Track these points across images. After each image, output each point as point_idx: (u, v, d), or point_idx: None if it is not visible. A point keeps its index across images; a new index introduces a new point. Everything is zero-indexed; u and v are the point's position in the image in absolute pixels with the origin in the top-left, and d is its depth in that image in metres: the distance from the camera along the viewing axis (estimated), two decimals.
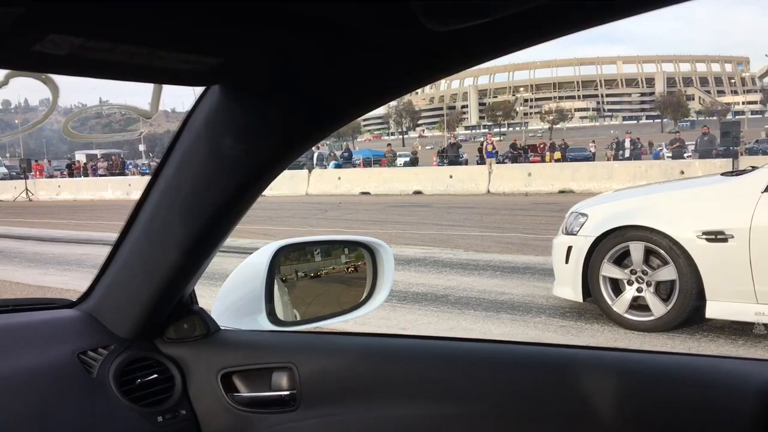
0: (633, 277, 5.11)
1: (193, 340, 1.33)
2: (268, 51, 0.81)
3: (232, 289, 1.44)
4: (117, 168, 36.28)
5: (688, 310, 4.85)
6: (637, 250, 5.07)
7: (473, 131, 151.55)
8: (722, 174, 5.63)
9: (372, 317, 5.47)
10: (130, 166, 43.56)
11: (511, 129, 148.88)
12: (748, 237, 4.52)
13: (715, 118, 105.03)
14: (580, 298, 5.35)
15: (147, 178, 1.22)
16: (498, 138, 74.78)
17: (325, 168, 29.44)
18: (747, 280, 4.54)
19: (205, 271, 1.27)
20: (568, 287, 5.44)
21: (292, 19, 0.73)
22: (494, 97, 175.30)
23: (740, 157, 20.14)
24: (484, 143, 27.10)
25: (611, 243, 5.18)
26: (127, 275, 1.28)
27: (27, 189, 29.01)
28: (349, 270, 1.61)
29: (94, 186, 29.32)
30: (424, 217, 14.97)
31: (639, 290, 5.09)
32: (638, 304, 5.12)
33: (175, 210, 1.14)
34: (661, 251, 4.94)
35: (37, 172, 35.03)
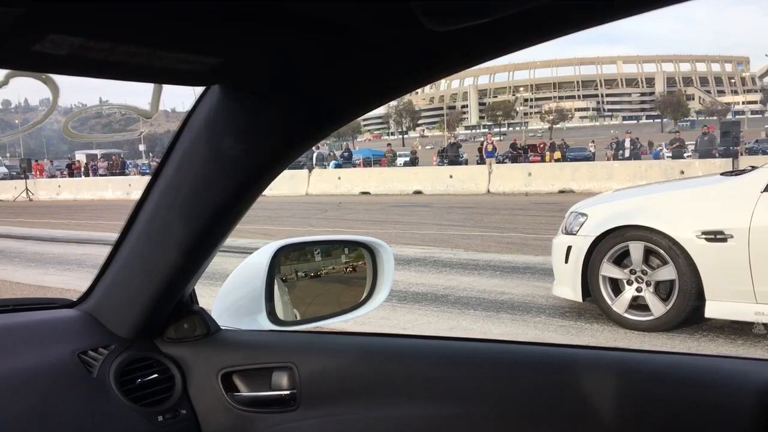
0: (632, 277, 5.11)
1: (194, 339, 1.33)
2: (268, 51, 0.81)
3: (232, 288, 1.44)
4: (117, 168, 36.28)
5: (688, 310, 4.85)
6: (636, 249, 5.08)
7: (473, 131, 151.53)
8: (722, 174, 5.63)
9: (372, 317, 5.47)
10: (130, 166, 43.54)
11: (511, 129, 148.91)
12: (747, 237, 4.52)
13: (715, 117, 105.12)
14: (579, 298, 5.35)
15: (147, 178, 1.22)
16: (498, 138, 74.81)
17: (325, 168, 29.42)
18: (746, 280, 4.54)
19: (205, 271, 1.27)
20: (568, 287, 5.44)
21: (292, 19, 0.73)
22: (494, 97, 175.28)
23: (740, 157, 20.11)
24: (484, 143, 27.09)
25: (611, 243, 5.18)
26: (127, 275, 1.28)
27: (27, 189, 29.00)
28: (348, 270, 1.61)
29: (94, 186, 29.32)
30: (424, 217, 14.98)
31: (638, 290, 5.09)
32: (638, 304, 5.12)
33: (175, 210, 1.14)
34: (661, 251, 4.94)
35: (38, 172, 35.04)
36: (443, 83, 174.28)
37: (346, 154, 35.35)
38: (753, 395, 0.98)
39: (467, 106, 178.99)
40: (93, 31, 0.66)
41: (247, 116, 0.99)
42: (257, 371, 1.30)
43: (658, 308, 4.98)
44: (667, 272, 4.91)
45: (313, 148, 27.92)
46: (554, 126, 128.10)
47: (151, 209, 1.19)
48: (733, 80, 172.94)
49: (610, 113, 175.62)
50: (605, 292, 5.22)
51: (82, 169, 39.11)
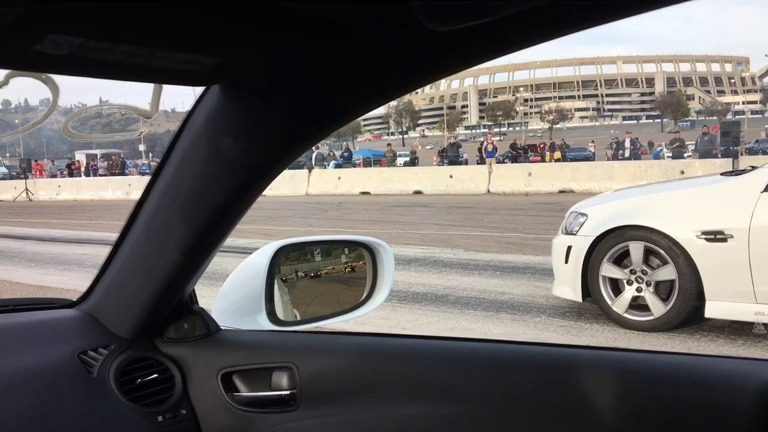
0: (632, 277, 5.11)
1: (194, 339, 1.33)
2: (268, 51, 0.81)
3: (232, 288, 1.44)
4: (117, 168, 36.30)
5: (688, 310, 4.85)
6: (636, 249, 5.07)
7: (473, 131, 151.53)
8: (722, 174, 5.63)
9: (372, 317, 5.47)
10: (130, 166, 43.55)
11: (511, 129, 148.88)
12: (747, 237, 4.52)
13: (715, 117, 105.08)
14: (579, 298, 5.35)
15: (147, 178, 1.22)
16: (498, 138, 74.83)
17: (325, 168, 29.43)
18: (746, 280, 4.54)
19: (205, 271, 1.27)
20: (568, 287, 5.44)
21: (292, 19, 0.73)
22: (494, 96, 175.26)
23: (740, 157, 20.11)
24: (484, 143, 27.08)
25: (611, 243, 5.18)
26: (127, 275, 1.28)
27: (27, 189, 29.00)
28: (347, 270, 1.61)
29: (94, 186, 29.33)
30: (424, 217, 14.98)
31: (638, 290, 5.09)
32: (638, 304, 5.12)
33: (175, 210, 1.14)
34: (661, 251, 4.94)
35: (37, 172, 35.03)
36: (443, 83, 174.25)
37: (346, 154, 35.35)
38: (753, 395, 0.98)
39: (467, 106, 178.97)
40: (93, 31, 0.66)
41: (247, 116, 0.99)
42: (257, 371, 1.30)
43: (658, 308, 4.98)
44: (667, 272, 4.91)
45: (313, 148, 27.94)
46: (554, 126, 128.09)
47: (151, 209, 1.19)
48: (733, 80, 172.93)
49: (610, 113, 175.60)
50: (605, 292, 5.22)
51: (83, 169, 39.12)
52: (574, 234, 5.38)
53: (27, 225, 16.25)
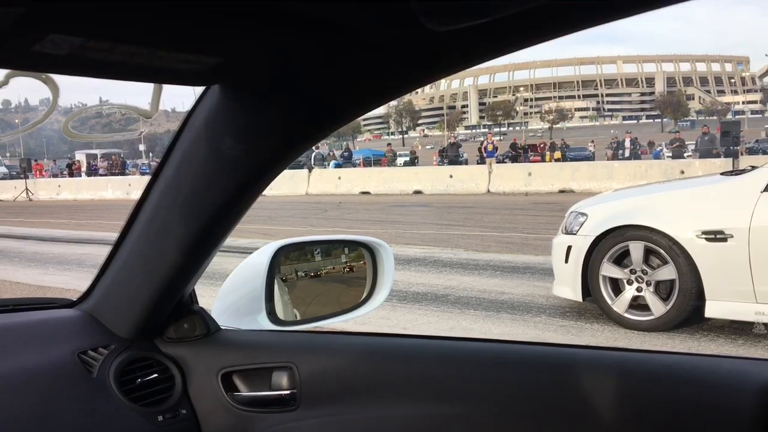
0: (633, 277, 5.11)
1: (194, 339, 1.33)
2: (268, 51, 0.81)
3: (232, 288, 1.44)
4: (117, 168, 36.30)
5: (688, 310, 4.85)
6: (636, 249, 5.07)
7: (473, 131, 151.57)
8: (722, 173, 5.63)
9: (372, 317, 5.47)
10: (130, 166, 43.55)
11: (511, 129, 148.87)
12: (747, 236, 4.52)
13: (715, 117, 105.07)
14: (579, 298, 5.35)
15: (147, 178, 1.22)
16: (498, 138, 74.70)
17: (325, 168, 29.43)
18: (746, 280, 4.54)
19: (205, 270, 1.27)
20: (568, 287, 5.44)
21: (292, 19, 0.73)
22: (494, 96, 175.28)
23: (740, 157, 20.10)
24: (484, 142, 27.08)
25: (611, 242, 5.18)
26: (127, 275, 1.28)
27: (27, 189, 29.00)
28: (346, 270, 1.61)
29: (94, 186, 29.34)
30: (424, 216, 14.99)
31: (639, 290, 5.09)
32: (638, 304, 5.12)
33: (175, 210, 1.14)
34: (661, 251, 4.94)
35: (37, 172, 35.04)
36: (443, 83, 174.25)
37: (346, 153, 35.35)
38: (753, 395, 0.98)
39: (467, 105, 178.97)
40: (93, 31, 0.66)
41: (247, 116, 0.99)
42: (257, 371, 1.30)
43: (658, 308, 4.98)
44: (668, 272, 4.91)
45: (312, 147, 27.92)
46: (554, 126, 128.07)
47: (151, 209, 1.19)
48: (733, 80, 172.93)
49: (610, 113, 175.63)
50: (605, 292, 5.22)
51: (83, 169, 39.13)
52: (574, 234, 5.38)
53: (27, 225, 16.25)
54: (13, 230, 14.69)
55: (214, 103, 1.00)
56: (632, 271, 5.11)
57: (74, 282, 7.69)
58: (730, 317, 4.83)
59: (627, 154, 28.84)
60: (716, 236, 4.66)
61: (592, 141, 44.56)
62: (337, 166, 31.06)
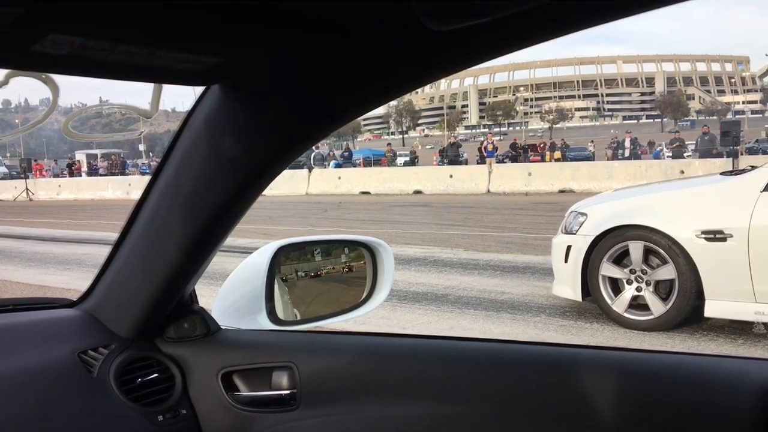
0: (632, 277, 5.11)
1: (194, 339, 1.33)
2: (268, 50, 0.81)
3: (232, 288, 1.44)
4: (117, 168, 36.32)
5: (688, 310, 4.85)
6: (636, 249, 5.07)
7: (473, 131, 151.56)
8: (721, 173, 5.63)
9: (372, 317, 5.47)
10: (130, 166, 43.57)
11: (511, 128, 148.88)
12: (747, 236, 4.52)
13: (715, 117, 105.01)
14: (579, 298, 5.35)
15: (147, 178, 1.22)
16: (498, 138, 74.72)
17: (325, 167, 29.43)
18: (746, 280, 4.54)
19: (205, 270, 1.27)
20: (568, 286, 5.44)
21: (292, 19, 0.73)
22: (494, 96, 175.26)
23: (740, 157, 20.09)
24: (484, 142, 27.07)
25: (610, 242, 5.18)
26: (127, 275, 1.28)
27: (27, 189, 29.00)
28: (345, 270, 1.61)
29: (95, 186, 29.34)
30: (424, 216, 14.99)
31: (638, 289, 5.09)
32: (637, 304, 5.12)
33: (175, 210, 1.14)
34: (661, 250, 4.94)
35: (37, 172, 35.03)
36: (443, 83, 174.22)
37: (346, 153, 35.37)
38: (753, 395, 0.98)
39: (467, 105, 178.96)
40: (93, 30, 0.66)
41: (247, 116, 0.99)
42: (257, 371, 1.30)
43: (657, 308, 4.98)
44: (667, 272, 4.92)
45: (313, 147, 27.87)
46: (554, 126, 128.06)
47: (151, 209, 1.19)
48: (733, 80, 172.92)
49: (610, 113, 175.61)
50: (605, 292, 5.22)
51: (83, 168, 39.15)
52: (574, 233, 5.38)
53: (27, 225, 16.25)
54: (13, 230, 14.69)
55: (214, 103, 1.00)
56: (632, 271, 5.11)
57: (74, 282, 7.69)
58: (730, 317, 4.83)
59: (627, 154, 28.83)
60: (716, 236, 4.66)
61: (592, 141, 44.56)
62: (337, 166, 31.07)
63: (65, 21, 0.63)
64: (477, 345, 1.27)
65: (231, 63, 0.83)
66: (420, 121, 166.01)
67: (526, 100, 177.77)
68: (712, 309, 4.74)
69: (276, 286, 1.44)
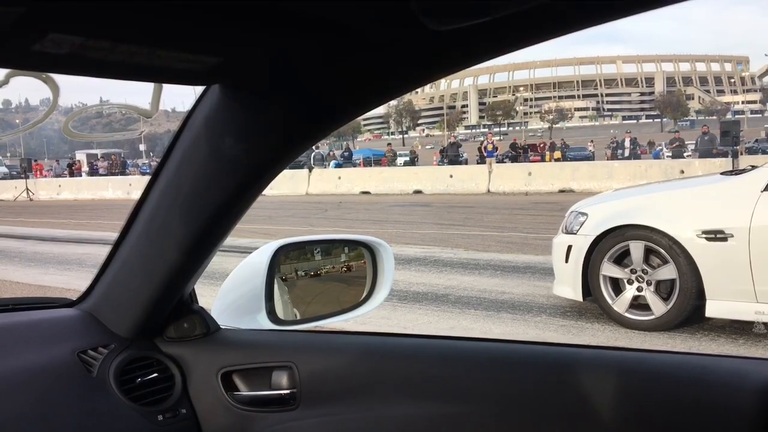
0: (633, 276, 5.11)
1: (194, 339, 1.33)
2: (268, 50, 0.81)
3: (232, 288, 1.44)
4: (117, 168, 36.35)
5: (689, 309, 4.85)
6: (637, 249, 5.07)
7: (473, 131, 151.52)
8: (722, 173, 5.63)
9: (372, 316, 5.47)
10: (130, 166, 43.60)
11: (511, 128, 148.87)
12: (747, 236, 4.52)
13: (714, 117, 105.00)
14: (580, 297, 5.35)
15: (147, 178, 1.22)
16: (498, 138, 74.64)
17: (325, 167, 29.42)
18: (747, 279, 4.54)
19: (205, 270, 1.27)
20: (568, 286, 5.43)
21: (292, 19, 0.73)
22: (494, 96, 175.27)
23: (740, 157, 20.08)
24: (484, 142, 27.06)
25: (611, 242, 5.18)
26: (127, 274, 1.28)
27: (27, 189, 29.00)
28: (343, 270, 1.61)
29: (95, 186, 29.34)
30: (424, 216, 14.98)
31: (639, 289, 5.09)
32: (638, 304, 5.11)
33: (175, 209, 1.14)
34: (661, 250, 4.94)
35: (38, 172, 35.03)
36: (443, 83, 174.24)
37: (346, 153, 35.41)
38: (752, 394, 0.98)
39: (467, 105, 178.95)
40: (93, 30, 0.66)
41: (247, 116, 0.99)
42: (257, 370, 1.30)
43: (658, 307, 4.98)
44: (668, 271, 4.91)
45: (313, 147, 27.82)
46: (554, 126, 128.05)
47: (151, 209, 1.19)
48: (732, 80, 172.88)
49: (609, 113, 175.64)
50: (606, 292, 5.21)
51: (83, 169, 39.17)
52: (575, 233, 5.38)
53: (28, 225, 16.25)
54: (13, 230, 14.69)
55: (214, 103, 1.00)
56: (633, 271, 5.10)
57: (75, 282, 7.69)
58: (731, 317, 4.83)
59: (627, 153, 28.82)
60: (716, 236, 4.66)
61: (592, 141, 44.56)
62: (338, 165, 31.09)
63: (65, 21, 0.63)
64: (476, 345, 1.27)
65: (231, 63, 0.83)
66: (420, 121, 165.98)
67: (525, 100, 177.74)
68: (713, 309, 4.74)
69: (276, 286, 1.44)
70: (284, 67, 0.88)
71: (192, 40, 0.74)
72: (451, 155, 29.75)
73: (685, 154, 26.35)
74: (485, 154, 25.76)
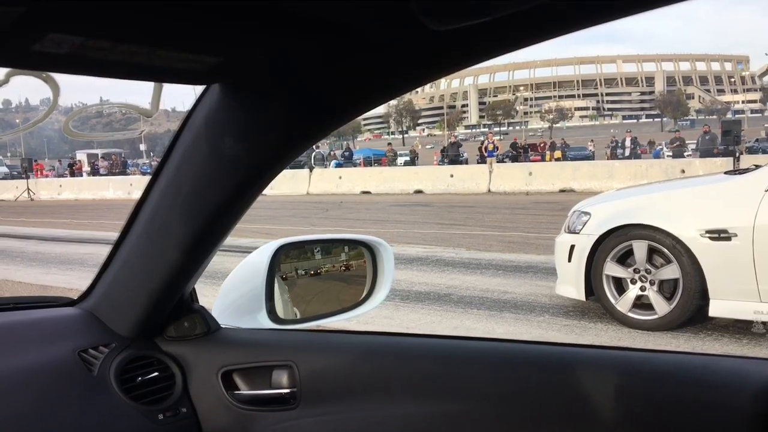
0: (636, 276, 5.09)
1: (194, 338, 1.33)
2: (268, 50, 0.81)
3: (232, 287, 1.44)
4: (118, 168, 36.38)
5: (692, 309, 4.84)
6: (640, 248, 5.06)
7: (473, 130, 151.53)
8: (725, 173, 5.62)
9: (375, 316, 5.47)
10: (131, 166, 43.64)
11: (511, 128, 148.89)
12: (751, 235, 4.51)
13: (714, 117, 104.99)
14: (583, 297, 5.33)
15: (148, 178, 1.22)
16: (498, 137, 74.64)
17: (325, 167, 29.42)
18: (750, 279, 4.53)
19: (205, 269, 1.27)
20: (571, 286, 5.42)
21: (292, 19, 0.73)
22: (494, 96, 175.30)
23: (741, 156, 20.07)
24: (485, 142, 27.05)
25: (614, 242, 5.16)
26: (127, 274, 1.28)
27: (28, 189, 29.01)
28: (343, 269, 1.61)
29: (96, 186, 29.35)
30: (425, 216, 14.98)
31: (642, 289, 5.07)
32: (642, 303, 5.10)
33: (176, 209, 1.14)
34: (665, 250, 4.92)
35: (38, 172, 35.06)
36: (443, 82, 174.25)
37: (346, 153, 35.40)
38: (753, 394, 0.98)
39: (467, 105, 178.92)
40: (93, 30, 0.66)
41: (247, 115, 0.99)
42: (257, 370, 1.30)
43: (662, 307, 4.97)
44: (671, 271, 4.90)
45: (313, 147, 27.85)
46: (554, 125, 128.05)
47: (151, 208, 1.19)
48: (732, 79, 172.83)
49: (609, 112, 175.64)
50: (609, 291, 5.20)
51: (86, 168, 39.24)
52: (578, 233, 5.36)
53: (29, 224, 16.25)
54: (15, 230, 14.69)
55: (215, 103, 1.00)
56: (636, 270, 5.09)
57: (77, 282, 7.68)
58: (734, 316, 4.82)
59: (627, 153, 28.80)
60: (720, 235, 4.64)
61: (592, 140, 44.55)
62: (338, 165, 31.10)
63: (65, 20, 0.63)
64: (477, 344, 1.28)
65: (231, 62, 0.83)
66: (420, 121, 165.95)
67: (525, 99, 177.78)
68: (716, 308, 4.72)
69: (276, 285, 1.44)
70: (284, 66, 0.88)
71: (192, 39, 0.74)
72: (452, 155, 29.72)
73: (685, 154, 26.32)
74: (486, 154, 25.75)
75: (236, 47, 0.79)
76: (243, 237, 9.24)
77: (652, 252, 5.04)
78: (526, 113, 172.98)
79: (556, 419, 1.10)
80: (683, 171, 17.82)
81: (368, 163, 36.66)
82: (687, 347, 4.61)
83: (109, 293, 1.32)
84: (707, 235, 4.70)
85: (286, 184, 22.85)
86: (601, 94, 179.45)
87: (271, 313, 1.40)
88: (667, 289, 5.00)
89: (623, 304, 5.14)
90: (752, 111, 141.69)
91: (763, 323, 4.73)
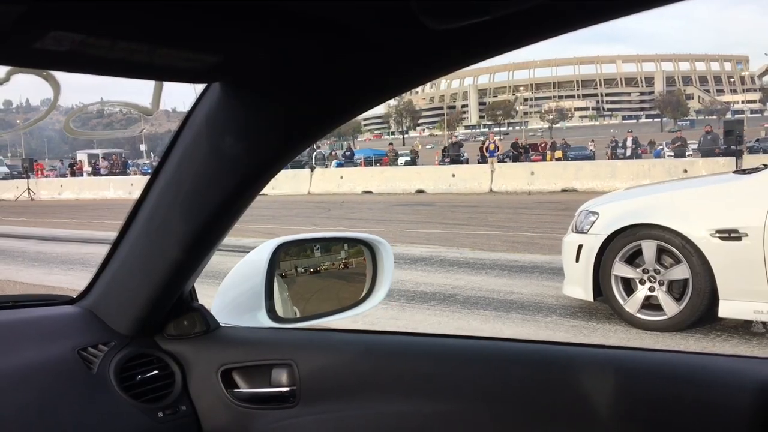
0: (645, 276, 5.04)
1: (193, 336, 1.34)
2: (268, 49, 0.82)
3: (231, 286, 1.44)
4: (118, 167, 36.48)
5: (701, 310, 4.78)
6: (649, 248, 5.01)
7: (473, 130, 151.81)
8: (734, 172, 5.58)
9: (381, 317, 5.45)
10: (131, 166, 43.78)
11: (511, 128, 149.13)
12: (762, 235, 4.47)
13: (714, 117, 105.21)
14: (591, 298, 5.28)
15: (148, 178, 1.22)
16: (498, 137, 74.82)
17: (326, 167, 29.47)
18: (761, 279, 4.48)
19: (205, 268, 1.27)
20: (579, 286, 5.37)
21: (292, 19, 0.74)
22: (494, 96, 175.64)
23: (742, 156, 20.07)
24: (486, 142, 27.09)
25: (623, 242, 5.11)
26: (127, 272, 1.29)
27: (29, 188, 29.06)
28: (341, 267, 1.62)
29: (96, 185, 29.41)
30: (428, 216, 14.96)
31: (651, 289, 5.02)
32: (650, 304, 5.05)
33: (176, 207, 1.14)
34: (674, 250, 4.88)
35: (38, 172, 35.13)
36: (443, 82, 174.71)
37: (348, 153, 35.50)
38: (751, 393, 0.99)
39: (467, 105, 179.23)
40: (94, 28, 0.66)
41: (248, 114, 0.99)
42: (257, 368, 1.31)
43: (671, 308, 4.91)
44: (681, 271, 4.85)
45: (314, 146, 27.95)
46: (554, 125, 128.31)
47: (151, 207, 1.19)
48: (732, 79, 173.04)
49: (609, 112, 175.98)
50: (617, 292, 5.15)
51: (87, 168, 39.37)
52: (585, 233, 5.32)
53: (30, 224, 16.26)
54: (16, 230, 14.70)
55: (215, 101, 1.00)
56: (645, 271, 5.04)
57: (78, 282, 7.63)
58: (745, 317, 4.76)
59: (628, 153, 28.81)
60: (730, 235, 4.60)
61: (592, 140, 44.64)
62: (339, 165, 31.18)
63: (66, 18, 0.63)
64: (478, 343, 1.28)
65: (232, 61, 0.84)
66: (420, 121, 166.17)
67: (525, 99, 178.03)
68: (726, 309, 4.67)
69: (276, 284, 1.44)
70: (284, 65, 0.88)
71: (192, 38, 0.74)
72: (453, 155, 29.75)
73: (686, 154, 26.34)
74: (487, 154, 25.78)
75: (237, 46, 0.79)
76: (245, 237, 9.21)
77: (661, 252, 4.99)
78: (526, 113, 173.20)
79: (551, 417, 1.10)
80: (686, 171, 17.82)
81: (369, 162, 36.71)
82: (697, 348, 4.56)
83: (109, 291, 1.33)
84: (717, 234, 4.65)
85: (288, 183, 22.88)
86: (601, 95, 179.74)
87: (271, 312, 1.40)
88: (676, 289, 4.95)
89: (632, 305, 5.08)
90: (752, 111, 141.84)
91: (763, 323, 4.69)
